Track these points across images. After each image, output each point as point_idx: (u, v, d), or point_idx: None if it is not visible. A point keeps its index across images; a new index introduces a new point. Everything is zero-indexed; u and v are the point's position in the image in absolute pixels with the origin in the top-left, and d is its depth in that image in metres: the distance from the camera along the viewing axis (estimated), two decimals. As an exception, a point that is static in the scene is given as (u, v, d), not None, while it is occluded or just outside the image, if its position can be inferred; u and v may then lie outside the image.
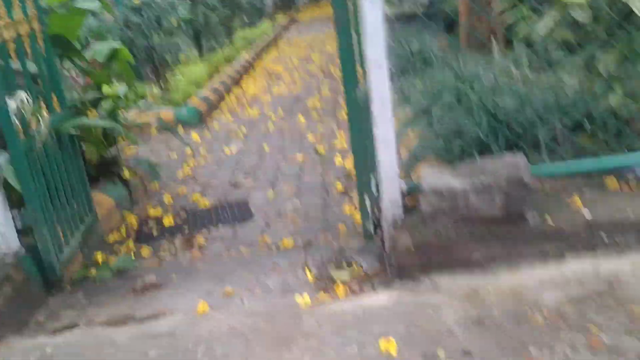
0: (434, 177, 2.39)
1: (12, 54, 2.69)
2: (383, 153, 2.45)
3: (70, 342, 2.35)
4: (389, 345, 2.04)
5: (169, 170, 4.71)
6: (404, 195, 2.51)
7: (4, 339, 2.42)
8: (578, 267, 2.32)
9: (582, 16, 2.56)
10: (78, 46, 3.60)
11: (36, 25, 2.93)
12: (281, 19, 19.82)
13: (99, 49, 3.70)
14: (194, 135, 5.76)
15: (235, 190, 4.08)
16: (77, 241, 3.00)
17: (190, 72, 7.60)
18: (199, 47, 9.42)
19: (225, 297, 2.60)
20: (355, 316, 2.25)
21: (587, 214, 2.37)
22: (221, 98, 7.52)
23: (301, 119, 5.92)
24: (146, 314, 2.53)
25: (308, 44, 13.10)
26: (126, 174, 4.01)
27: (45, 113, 2.76)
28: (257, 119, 6.30)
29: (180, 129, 6.07)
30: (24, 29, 2.79)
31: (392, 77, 2.41)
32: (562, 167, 2.57)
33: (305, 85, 7.96)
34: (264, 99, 7.40)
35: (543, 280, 2.29)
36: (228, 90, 8.03)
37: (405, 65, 5.53)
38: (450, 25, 7.15)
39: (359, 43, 2.41)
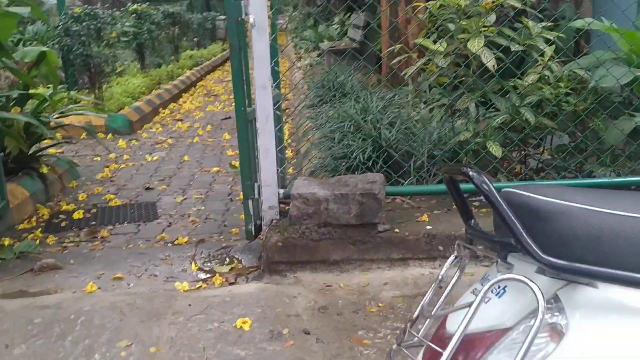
0: (304, 186, 2.78)
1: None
2: (264, 162, 2.84)
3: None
4: (244, 323, 2.39)
5: (90, 172, 4.95)
6: (280, 201, 2.89)
7: None
8: (417, 271, 2.75)
9: (442, 62, 3.05)
10: (8, 48, 3.86)
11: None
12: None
13: (28, 51, 3.97)
14: (121, 143, 6.01)
15: (147, 194, 4.37)
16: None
17: (128, 83, 7.86)
18: (142, 61, 9.66)
19: (114, 280, 2.90)
20: (222, 300, 2.60)
21: (429, 227, 2.81)
22: (156, 111, 7.79)
23: (226, 136, 6.27)
24: (39, 290, 2.80)
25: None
26: (44, 169, 4.24)
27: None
28: (185, 133, 6.60)
29: (109, 136, 6.32)
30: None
31: (280, 99, 2.81)
32: (411, 189, 3.03)
33: (239, 106, 8.32)
34: (197, 115, 7.72)
35: (386, 280, 2.70)
36: (164, 105, 8.30)
37: (325, 96, 5.98)
38: (379, 63, 7.71)
39: (247, 68, 2.81)
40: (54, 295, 2.73)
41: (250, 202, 2.99)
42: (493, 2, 3.31)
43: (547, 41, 3.40)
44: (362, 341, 2.28)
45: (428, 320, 1.29)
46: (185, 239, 3.41)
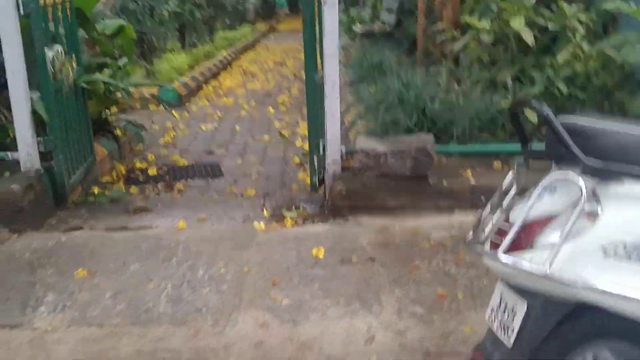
0: (365, 143, 3.23)
1: (50, 17, 3.42)
2: (330, 123, 3.28)
3: (78, 237, 3.09)
4: (319, 252, 2.85)
5: (152, 138, 5.43)
6: (343, 156, 3.34)
7: (25, 232, 3.14)
8: (461, 218, 3.18)
9: (486, 38, 3.46)
10: (92, 20, 4.33)
11: (67, -3, 3.67)
12: (261, 26, 20.56)
13: (109, 24, 4.44)
14: (175, 114, 6.49)
15: (209, 156, 4.84)
16: (81, 173, 3.73)
17: (174, 60, 8.34)
18: (183, 40, 10.14)
19: (199, 221, 3.38)
20: (296, 236, 3.07)
21: (472, 181, 3.24)
22: (199, 86, 8.26)
23: (270, 110, 6.72)
24: (137, 225, 3.29)
25: (284, 51, 13.92)
26: (118, 132, 4.73)
27: (74, 64, 3.50)
28: (231, 107, 7.06)
29: (161, 108, 6.80)
30: (58, -1, 3.53)
31: (341, 67, 3.23)
32: (458, 148, 3.45)
33: (277, 84, 8.76)
34: (238, 92, 8.17)
35: (435, 224, 3.14)
36: (206, 81, 8.77)
37: (365, 74, 6.39)
38: (413, 44, 8.09)
39: (319, 39, 3.24)
40: (151, 229, 3.21)
41: (315, 157, 3.44)
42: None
43: (580, 22, 3.78)
44: (418, 267, 2.73)
45: (490, 222, 1.72)
46: (253, 192, 3.88)
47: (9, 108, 3.36)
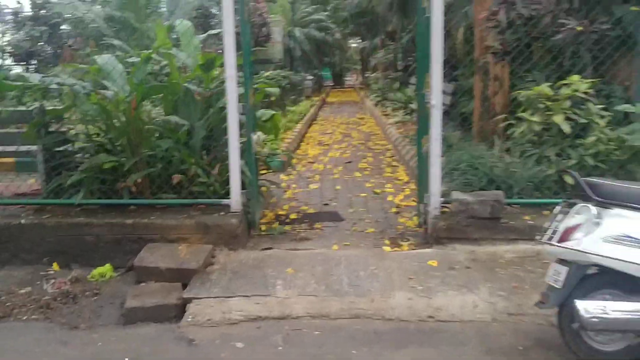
0: (458, 195, 4.92)
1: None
2: (433, 181, 4.99)
3: (274, 253, 4.82)
4: (433, 262, 4.50)
5: (277, 194, 7.23)
6: (441, 204, 5.03)
7: (238, 250, 4.89)
8: (523, 246, 4.79)
9: (536, 128, 5.18)
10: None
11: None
12: (316, 99, 22.80)
13: (264, 113, 6.32)
14: (283, 177, 8.31)
15: (326, 207, 6.59)
16: (258, 214, 5.50)
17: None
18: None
19: (345, 246, 5.08)
20: (413, 255, 4.73)
21: (529, 222, 4.88)
22: (290, 156, 10.13)
23: (357, 174, 8.50)
24: (306, 247, 5.01)
25: (344, 123, 15.92)
26: (264, 188, 6.54)
27: (262, 142, 5.36)
28: (323, 171, 8.87)
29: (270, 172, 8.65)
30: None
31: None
32: (520, 200, 5.11)
33: (353, 153, 10.59)
34: (323, 159, 10.01)
35: (507, 249, 4.76)
36: (294, 151, 10.66)
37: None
38: (465, 120, 9.82)
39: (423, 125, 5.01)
40: (317, 250, 4.92)
41: (421, 205, 5.14)
42: (569, 92, 5.44)
43: (601, 117, 5.47)
44: (498, 272, 4.35)
45: (551, 229, 3.37)
46: (372, 230, 5.58)
47: (211, 168, 5.22)
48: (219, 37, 8.33)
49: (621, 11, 6.00)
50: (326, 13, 27.13)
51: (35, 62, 18.82)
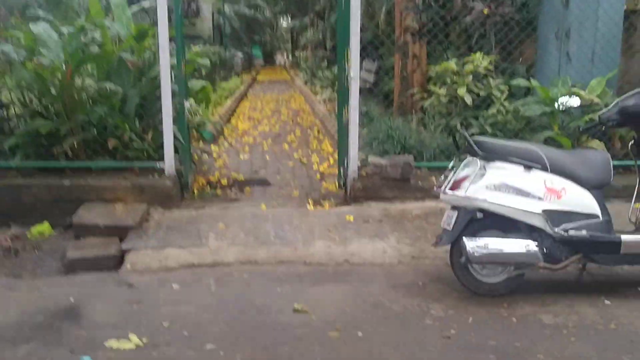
0: (373, 159, 5.48)
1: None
2: (352, 147, 5.53)
3: (206, 211, 5.23)
4: (350, 217, 5.05)
5: (208, 163, 7.59)
6: (359, 167, 5.58)
7: (172, 209, 5.26)
8: (430, 204, 5.42)
9: (444, 99, 5.80)
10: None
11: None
12: (246, 77, 22.96)
13: (196, 84, 6.64)
14: (214, 147, 8.66)
15: (256, 175, 7.02)
16: (191, 178, 5.87)
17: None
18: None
19: (272, 207, 5.54)
20: (333, 212, 5.27)
21: (435, 182, 5.51)
22: (221, 129, 10.46)
23: (285, 146, 8.96)
24: (237, 207, 5.44)
25: (274, 100, 16.30)
26: (195, 156, 6.88)
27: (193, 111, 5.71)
28: (253, 144, 9.28)
29: (200, 143, 8.96)
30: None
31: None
32: (427, 164, 5.74)
33: (282, 127, 11.04)
34: (253, 133, 10.40)
35: (415, 207, 5.38)
36: (224, 124, 10.98)
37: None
38: (387, 97, 10.45)
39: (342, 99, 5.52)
40: (247, 208, 5.37)
41: (341, 168, 5.67)
42: (472, 68, 6.09)
43: (500, 91, 6.17)
44: (406, 224, 4.95)
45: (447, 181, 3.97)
46: (297, 193, 6.07)
47: (145, 133, 5.54)
48: (148, 11, 8.54)
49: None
50: (257, -9, 27.18)
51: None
